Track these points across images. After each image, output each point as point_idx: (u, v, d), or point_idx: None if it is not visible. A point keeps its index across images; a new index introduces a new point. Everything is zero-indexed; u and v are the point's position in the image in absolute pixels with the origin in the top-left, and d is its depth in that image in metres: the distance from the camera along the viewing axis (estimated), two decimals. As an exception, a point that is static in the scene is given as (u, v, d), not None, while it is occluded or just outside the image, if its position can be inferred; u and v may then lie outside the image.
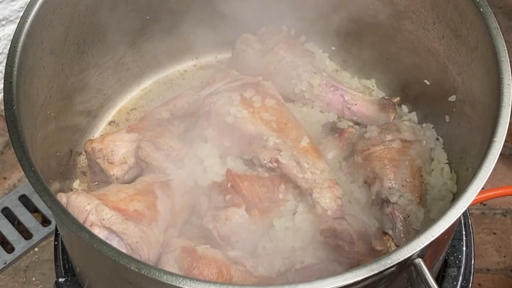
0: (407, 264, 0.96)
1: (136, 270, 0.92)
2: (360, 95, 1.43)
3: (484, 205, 1.81)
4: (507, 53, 1.12)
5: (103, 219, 1.14)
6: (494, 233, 1.77)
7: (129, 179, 1.33)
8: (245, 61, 1.45)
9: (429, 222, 1.10)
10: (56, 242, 1.38)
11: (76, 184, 1.40)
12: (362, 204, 1.28)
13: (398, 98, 1.45)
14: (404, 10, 1.36)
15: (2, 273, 1.73)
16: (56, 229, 1.41)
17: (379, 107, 1.41)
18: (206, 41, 1.58)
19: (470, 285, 1.31)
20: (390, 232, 1.20)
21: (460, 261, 1.32)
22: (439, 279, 1.31)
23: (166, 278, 0.91)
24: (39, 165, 1.09)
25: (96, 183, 1.38)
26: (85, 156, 1.40)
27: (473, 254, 1.34)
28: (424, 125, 1.38)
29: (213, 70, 1.57)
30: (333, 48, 1.53)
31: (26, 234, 1.78)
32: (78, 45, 1.36)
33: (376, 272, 0.91)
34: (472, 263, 1.33)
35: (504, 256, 1.73)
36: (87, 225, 1.13)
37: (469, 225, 1.37)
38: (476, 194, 0.98)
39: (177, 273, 1.01)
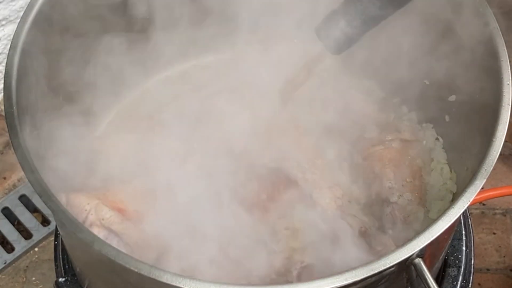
0: (407, 264, 0.96)
1: (136, 270, 0.91)
2: (360, 95, 1.43)
3: (484, 205, 1.81)
4: (506, 53, 1.12)
5: (103, 219, 1.14)
6: (494, 233, 1.77)
7: (129, 179, 1.33)
8: (245, 61, 1.45)
9: (429, 222, 1.09)
10: (56, 242, 1.38)
11: (76, 184, 1.40)
12: (362, 204, 1.28)
13: (398, 98, 1.45)
14: (404, 10, 1.36)
15: (2, 273, 1.73)
16: (56, 229, 1.41)
17: (379, 107, 1.41)
18: (206, 41, 1.58)
19: (470, 285, 1.31)
20: (390, 232, 1.20)
21: (460, 261, 1.32)
22: (439, 279, 1.31)
23: (166, 278, 0.91)
24: (39, 165, 1.09)
25: (96, 183, 1.38)
26: (85, 156, 1.40)
27: (473, 254, 1.34)
28: (424, 125, 1.38)
29: (213, 70, 1.57)
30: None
31: (26, 234, 1.77)
32: (78, 45, 1.36)
33: (376, 272, 0.91)
34: (472, 263, 1.33)
35: (504, 256, 1.73)
36: (86, 225, 1.13)
37: (469, 225, 1.37)
38: (476, 194, 0.98)
39: (177, 273, 1.01)
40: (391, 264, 0.92)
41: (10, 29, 1.89)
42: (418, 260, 0.95)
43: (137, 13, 1.45)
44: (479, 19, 1.17)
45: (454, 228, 1.29)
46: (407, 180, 1.26)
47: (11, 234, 1.77)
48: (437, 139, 1.36)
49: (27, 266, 1.74)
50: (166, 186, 1.25)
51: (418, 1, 1.32)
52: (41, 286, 1.71)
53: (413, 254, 0.94)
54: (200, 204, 1.24)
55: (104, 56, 1.45)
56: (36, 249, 1.76)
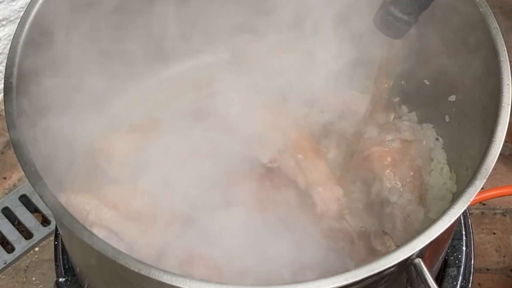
0: (406, 264, 0.96)
1: (136, 270, 0.92)
2: (360, 95, 1.43)
3: (484, 205, 1.81)
4: (506, 53, 1.12)
5: (103, 219, 1.14)
6: (494, 233, 1.77)
7: (129, 179, 1.33)
8: (245, 61, 1.45)
9: (429, 222, 1.09)
10: (56, 242, 1.38)
11: (76, 184, 1.40)
12: (362, 204, 1.28)
13: (398, 98, 1.45)
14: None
15: (2, 273, 1.73)
16: (56, 229, 1.41)
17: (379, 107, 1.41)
18: (206, 40, 1.58)
19: (470, 285, 1.31)
20: (390, 232, 1.20)
21: (460, 261, 1.32)
22: (439, 279, 1.31)
23: (166, 278, 0.91)
24: (39, 165, 1.09)
25: (96, 183, 1.38)
26: (85, 156, 1.40)
27: (473, 254, 1.34)
28: (424, 125, 1.38)
29: (213, 70, 1.57)
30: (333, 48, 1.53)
31: (26, 234, 1.78)
32: (78, 45, 1.36)
33: (376, 272, 0.91)
34: (472, 263, 1.33)
35: (504, 256, 1.73)
36: (86, 225, 1.13)
37: (469, 225, 1.37)
38: (476, 194, 0.98)
39: (177, 273, 1.01)
40: (391, 264, 0.92)
41: (10, 29, 1.89)
42: (418, 260, 0.95)
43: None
44: (479, 19, 1.17)
45: (454, 228, 1.29)
46: (407, 180, 1.26)
47: (11, 234, 1.77)
48: (437, 139, 1.36)
49: (27, 266, 1.74)
50: (166, 186, 1.25)
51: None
52: (41, 286, 1.71)
53: (413, 254, 0.94)
54: (200, 204, 1.25)
55: (103, 56, 1.45)
56: (36, 249, 1.76)
